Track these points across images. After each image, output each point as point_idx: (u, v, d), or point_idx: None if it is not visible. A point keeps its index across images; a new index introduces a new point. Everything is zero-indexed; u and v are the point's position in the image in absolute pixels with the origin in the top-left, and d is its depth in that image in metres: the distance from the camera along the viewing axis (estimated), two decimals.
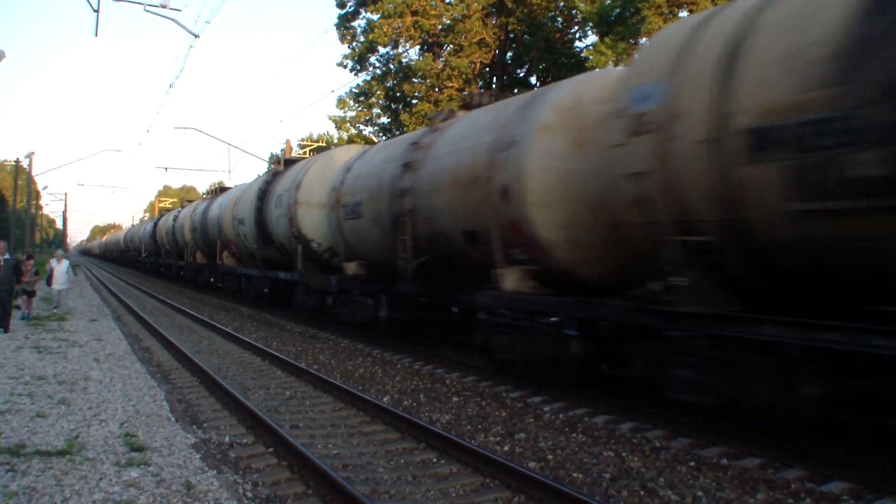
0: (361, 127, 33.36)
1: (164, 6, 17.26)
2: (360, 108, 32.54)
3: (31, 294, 17.20)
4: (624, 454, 6.46)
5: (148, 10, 17.34)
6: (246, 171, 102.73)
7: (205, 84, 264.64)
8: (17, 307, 16.33)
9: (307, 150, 41.66)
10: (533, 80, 30.36)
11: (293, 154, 31.49)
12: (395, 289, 12.12)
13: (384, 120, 32.62)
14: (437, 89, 28.81)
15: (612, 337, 7.88)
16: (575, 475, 5.91)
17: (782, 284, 6.13)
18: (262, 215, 18.95)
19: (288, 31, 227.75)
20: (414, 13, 28.41)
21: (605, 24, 23.96)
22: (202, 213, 27.54)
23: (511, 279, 8.99)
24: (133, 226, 70.78)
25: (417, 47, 30.81)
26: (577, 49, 28.85)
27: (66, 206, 78.57)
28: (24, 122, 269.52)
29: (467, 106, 11.93)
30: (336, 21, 31.68)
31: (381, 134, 32.98)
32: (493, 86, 30.03)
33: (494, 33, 28.74)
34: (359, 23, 31.37)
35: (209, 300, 25.03)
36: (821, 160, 5.19)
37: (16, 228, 50.45)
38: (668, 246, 6.57)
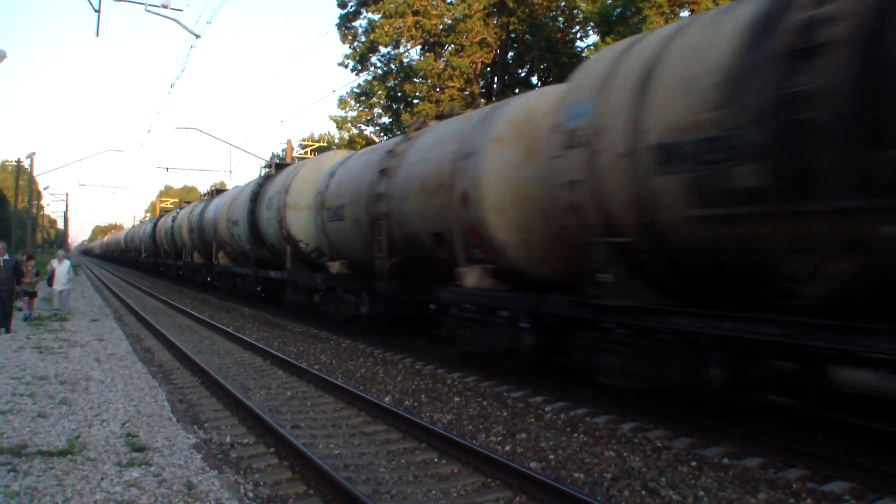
0: (363, 127, 33.40)
1: (165, 6, 17.26)
2: (361, 108, 32.55)
3: (32, 295, 17.21)
4: (625, 454, 6.46)
5: (149, 11, 17.35)
6: (247, 172, 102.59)
7: (206, 84, 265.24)
8: (19, 308, 16.34)
9: (308, 150, 41.74)
10: (534, 79, 30.37)
11: (294, 154, 31.57)
12: (375, 286, 12.84)
13: (385, 120, 32.65)
14: (438, 89, 28.81)
15: (559, 329, 8.55)
16: (576, 475, 5.91)
17: (691, 280, 6.95)
18: (254, 217, 19.77)
19: (289, 31, 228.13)
20: (415, 13, 28.41)
21: (606, 24, 23.93)
22: (199, 215, 28.32)
23: (472, 277, 9.85)
24: (133, 226, 70.91)
25: (419, 47, 30.82)
26: (579, 49, 28.84)
27: (67, 206, 78.55)
28: (25, 122, 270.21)
29: (440, 116, 13.00)
30: (337, 21, 31.71)
31: (382, 134, 33.00)
32: (495, 86, 30.05)
33: (496, 33, 28.72)
34: (360, 23, 31.40)
35: (210, 300, 25.04)
36: (712, 172, 6.03)
37: (17, 229, 50.49)
38: (597, 246, 7.45)
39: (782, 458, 6.13)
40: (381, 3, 28.08)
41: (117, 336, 14.40)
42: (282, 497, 5.40)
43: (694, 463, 6.15)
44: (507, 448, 6.70)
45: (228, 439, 6.94)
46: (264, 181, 20.31)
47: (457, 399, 8.84)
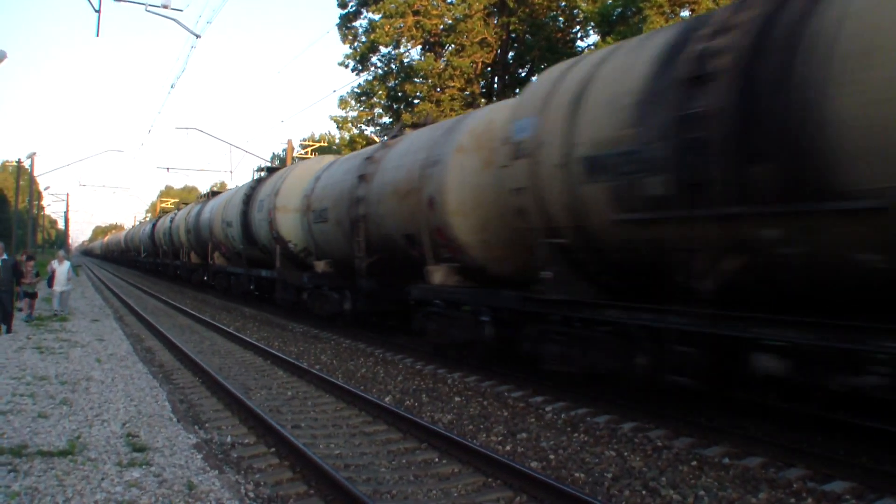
0: (363, 127, 33.40)
1: (165, 6, 17.26)
2: (361, 108, 32.54)
3: (32, 295, 17.20)
4: (626, 454, 6.46)
5: (149, 11, 17.35)
6: (248, 172, 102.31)
7: (206, 84, 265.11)
8: (20, 309, 16.34)
9: (309, 150, 41.71)
10: (535, 79, 30.32)
11: (295, 154, 31.73)
12: (357, 284, 13.63)
13: (386, 120, 32.62)
14: (438, 89, 28.80)
15: (513, 321, 9.23)
16: (577, 475, 5.91)
17: (619, 276, 7.80)
18: (247, 218, 20.64)
19: (289, 31, 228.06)
20: (415, 13, 28.41)
21: (606, 24, 23.93)
22: (196, 216, 29.03)
23: (439, 274, 10.70)
24: (133, 227, 70.99)
25: (419, 47, 30.82)
26: (579, 49, 28.84)
27: (67, 206, 78.59)
28: (25, 122, 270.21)
29: (415, 125, 14.06)
30: (337, 21, 31.73)
31: (382, 134, 32.97)
32: (495, 86, 30.04)
33: (496, 33, 28.72)
34: (360, 23, 31.41)
35: (210, 300, 25.06)
36: (629, 182, 6.82)
37: (17, 229, 50.54)
38: (540, 246, 8.29)
39: (783, 457, 6.13)
40: (381, 3, 28.07)
41: (118, 336, 14.41)
42: (282, 497, 5.40)
43: (694, 462, 6.15)
44: (508, 448, 6.70)
45: (229, 439, 6.94)
46: (256, 184, 21.19)
47: (457, 399, 8.84)
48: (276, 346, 13.52)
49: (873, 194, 4.93)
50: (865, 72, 4.98)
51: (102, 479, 5.40)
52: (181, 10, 32.26)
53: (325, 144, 47.19)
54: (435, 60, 28.71)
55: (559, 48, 28.19)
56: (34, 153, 46.04)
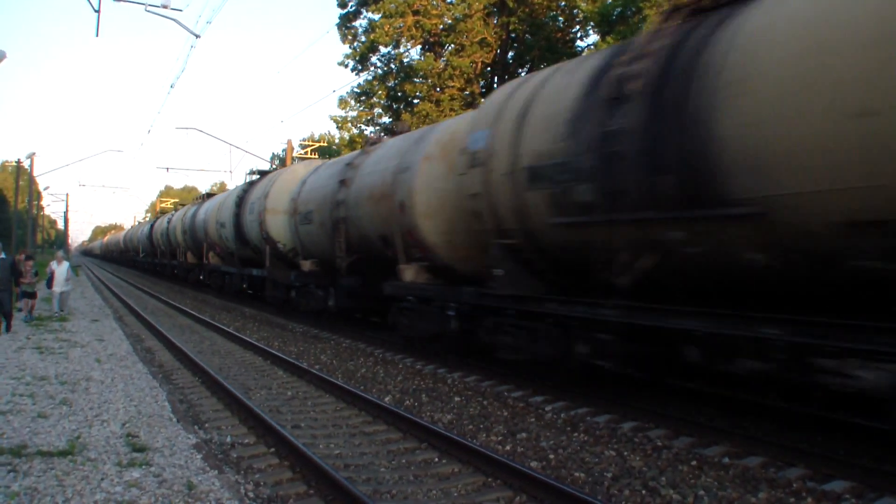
0: (363, 127, 33.38)
1: (165, 6, 17.26)
2: (361, 108, 32.55)
3: (31, 295, 17.19)
4: (626, 453, 6.46)
5: (149, 11, 17.36)
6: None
7: (206, 84, 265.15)
8: (19, 309, 16.33)
9: (309, 150, 41.69)
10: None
11: (295, 154, 31.89)
12: (340, 282, 14.55)
13: (386, 120, 32.61)
14: (438, 89, 28.80)
15: (474, 315, 9.93)
16: (577, 475, 5.90)
17: (560, 273, 8.63)
18: (239, 220, 21.66)
19: (289, 31, 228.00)
20: (415, 13, 28.40)
21: (606, 24, 23.93)
22: (191, 217, 29.98)
23: (410, 272, 11.55)
24: (132, 227, 71.08)
25: (419, 47, 30.82)
26: (579, 48, 28.84)
27: (67, 206, 78.41)
28: (25, 122, 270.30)
29: (391, 133, 14.97)
30: (337, 21, 31.73)
31: (382, 134, 32.96)
32: (495, 85, 30.01)
33: (496, 33, 28.71)
34: (360, 22, 31.41)
35: (210, 300, 25.06)
36: (563, 189, 7.66)
37: (17, 229, 50.51)
38: (493, 246, 9.17)
39: (782, 457, 6.13)
40: (381, 2, 28.07)
41: (118, 336, 14.40)
42: (282, 497, 5.40)
43: (694, 462, 6.15)
44: (508, 448, 6.70)
45: (229, 439, 6.94)
46: (248, 187, 22.23)
47: (457, 399, 8.84)
48: (276, 345, 13.52)
49: (752, 202, 5.72)
50: (742, 98, 5.75)
51: (102, 479, 5.40)
52: (181, 10, 32.28)
53: (325, 144, 47.15)
54: (435, 60, 28.70)
55: (559, 48, 28.19)
56: (34, 153, 46.05)
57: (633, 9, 22.21)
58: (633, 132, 6.71)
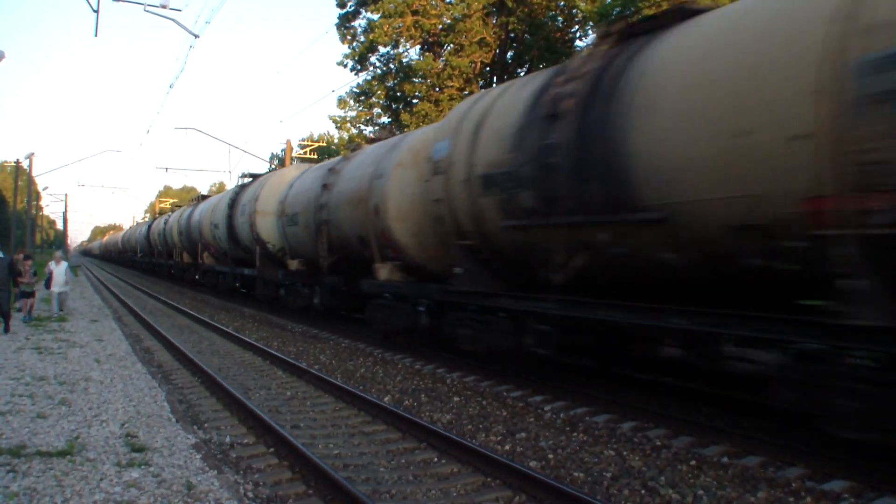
0: (362, 127, 33.35)
1: (163, 6, 17.26)
2: (360, 108, 32.52)
3: (30, 295, 17.17)
4: (625, 453, 6.46)
5: (148, 11, 17.34)
6: (247, 172, 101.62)
7: (205, 84, 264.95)
8: (18, 309, 16.31)
9: (308, 149, 41.68)
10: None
11: (294, 154, 32.07)
12: (323, 280, 15.33)
13: (385, 120, 32.59)
14: (437, 89, 28.77)
15: (441, 310, 10.62)
16: (576, 474, 5.90)
17: (512, 271, 9.45)
18: (231, 221, 22.63)
19: (288, 30, 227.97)
20: (414, 13, 28.38)
21: (605, 24, 23.92)
22: (187, 218, 31.05)
23: (385, 271, 12.30)
24: (130, 228, 71.12)
25: (418, 47, 30.77)
26: (578, 48, 28.80)
27: (66, 206, 78.45)
28: (24, 122, 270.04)
29: (371, 140, 16.15)
30: (336, 21, 31.69)
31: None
32: (494, 85, 29.97)
33: (495, 33, 28.69)
34: (359, 22, 31.36)
35: (209, 300, 25.05)
36: (510, 196, 8.51)
37: (16, 229, 50.47)
38: (453, 247, 9.99)
39: (782, 456, 6.13)
40: (380, 2, 28.04)
41: (117, 336, 14.39)
42: (281, 497, 5.40)
43: (693, 462, 6.15)
44: (507, 447, 6.70)
45: (228, 439, 6.93)
46: (241, 189, 23.24)
47: (456, 399, 8.83)
48: (276, 346, 13.52)
49: (660, 209, 6.51)
50: (650, 118, 6.59)
51: (101, 479, 5.40)
52: (180, 10, 32.28)
53: (324, 144, 47.13)
54: (434, 60, 28.67)
55: (558, 48, 28.16)
56: (33, 153, 46.03)
57: (633, 8, 22.20)
58: (565, 146, 7.56)
